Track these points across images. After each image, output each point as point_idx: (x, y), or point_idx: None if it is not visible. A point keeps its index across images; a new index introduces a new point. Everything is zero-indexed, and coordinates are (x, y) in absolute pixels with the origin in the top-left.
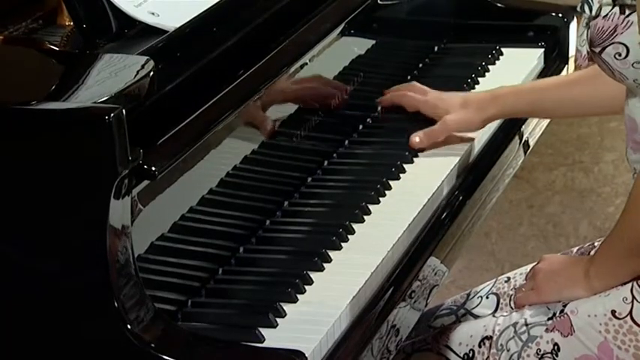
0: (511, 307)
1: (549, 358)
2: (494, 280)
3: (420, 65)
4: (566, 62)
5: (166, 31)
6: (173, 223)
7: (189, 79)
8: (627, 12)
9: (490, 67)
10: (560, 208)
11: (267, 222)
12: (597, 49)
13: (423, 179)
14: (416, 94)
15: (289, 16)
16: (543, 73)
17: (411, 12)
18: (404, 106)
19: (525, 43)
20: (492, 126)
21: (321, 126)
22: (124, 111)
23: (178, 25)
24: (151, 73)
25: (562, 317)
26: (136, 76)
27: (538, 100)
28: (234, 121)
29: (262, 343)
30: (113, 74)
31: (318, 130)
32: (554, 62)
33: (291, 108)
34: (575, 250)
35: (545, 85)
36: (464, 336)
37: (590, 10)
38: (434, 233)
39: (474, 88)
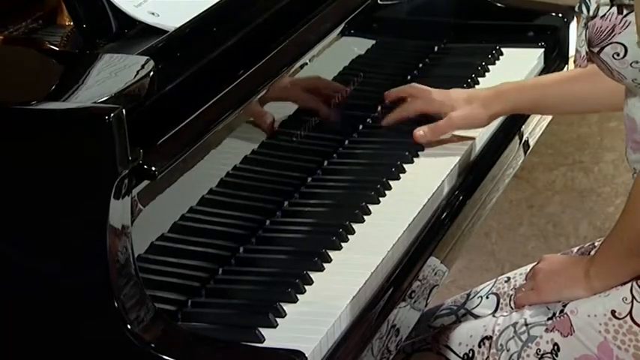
0: (511, 307)
1: (549, 358)
2: (494, 280)
3: (420, 65)
4: (566, 62)
5: (166, 31)
6: (173, 223)
7: (189, 79)
8: (625, 12)
9: (490, 67)
10: (560, 208)
11: (267, 222)
12: (596, 49)
13: (423, 179)
14: (418, 99)
15: (289, 16)
16: (543, 73)
17: (411, 12)
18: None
19: (525, 43)
20: (492, 126)
21: (321, 126)
22: (124, 111)
23: (178, 25)
24: (151, 73)
25: (562, 317)
26: (136, 76)
27: (540, 96)
28: (234, 121)
29: (262, 343)
30: (113, 74)
31: (318, 130)
32: (554, 62)
33: (291, 108)
34: (575, 250)
35: (547, 81)
36: (464, 336)
37: (588, 11)
38: (434, 233)
39: (474, 88)
